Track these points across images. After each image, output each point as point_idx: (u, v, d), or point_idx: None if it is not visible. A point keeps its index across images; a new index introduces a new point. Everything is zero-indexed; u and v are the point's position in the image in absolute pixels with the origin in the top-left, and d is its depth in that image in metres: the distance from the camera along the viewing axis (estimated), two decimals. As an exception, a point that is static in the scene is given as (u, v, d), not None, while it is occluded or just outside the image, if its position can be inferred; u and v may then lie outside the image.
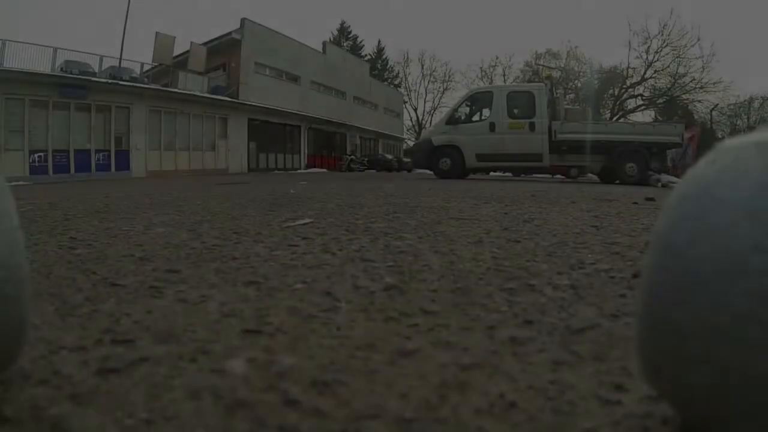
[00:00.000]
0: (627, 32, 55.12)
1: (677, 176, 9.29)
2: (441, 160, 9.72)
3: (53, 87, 12.66)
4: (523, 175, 12.81)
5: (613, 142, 9.32)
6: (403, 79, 41.68)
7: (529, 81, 26.71)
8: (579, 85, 31.11)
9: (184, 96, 16.19)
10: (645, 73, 28.76)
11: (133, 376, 0.55)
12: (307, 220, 2.01)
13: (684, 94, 27.44)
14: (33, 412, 0.46)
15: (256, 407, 0.48)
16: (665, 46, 27.53)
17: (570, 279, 1.03)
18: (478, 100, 10.09)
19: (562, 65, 31.65)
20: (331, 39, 36.62)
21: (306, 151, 23.18)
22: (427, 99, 49.97)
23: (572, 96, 29.13)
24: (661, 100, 28.69)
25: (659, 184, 8.32)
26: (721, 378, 0.32)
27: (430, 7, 70.45)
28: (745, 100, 29.47)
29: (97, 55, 14.83)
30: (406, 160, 23.25)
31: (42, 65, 12.80)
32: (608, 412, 0.47)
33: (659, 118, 26.72)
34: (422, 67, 41.33)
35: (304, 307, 0.82)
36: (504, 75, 35.94)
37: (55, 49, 13.26)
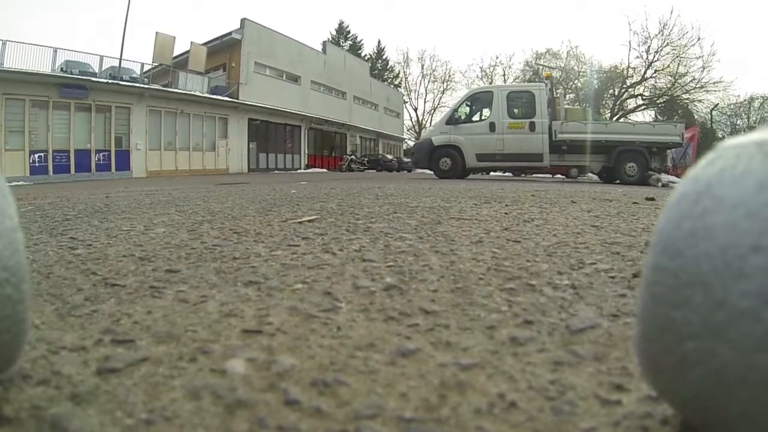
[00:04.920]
0: (627, 32, 55.06)
1: (677, 176, 9.31)
2: (441, 160, 9.72)
3: (53, 87, 12.68)
4: (523, 175, 12.83)
5: (613, 142, 9.32)
6: (403, 79, 41.75)
7: (529, 81, 26.71)
8: (579, 85, 31.10)
9: (184, 96, 16.21)
10: (645, 72, 28.75)
11: (133, 376, 0.55)
12: (313, 216, 2.02)
13: (684, 93, 27.41)
14: (33, 412, 0.47)
15: (256, 407, 0.48)
16: (665, 46, 27.52)
17: (570, 279, 1.03)
18: (478, 100, 10.08)
19: (562, 65, 31.64)
20: (330, 39, 36.64)
21: (306, 151, 23.20)
22: (427, 99, 50.12)
23: (572, 96, 29.13)
24: (661, 100, 28.66)
25: (659, 184, 8.32)
26: (721, 378, 0.32)
27: (429, 7, 70.50)
28: (745, 100, 29.48)
29: (97, 55, 14.88)
30: (406, 160, 23.27)
31: (42, 65, 12.81)
32: (608, 412, 0.47)
33: (659, 117, 26.73)
34: (422, 67, 41.51)
35: (305, 307, 0.82)
36: (504, 75, 35.97)
37: (55, 49, 13.28)
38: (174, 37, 16.23)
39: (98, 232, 1.74)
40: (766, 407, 0.31)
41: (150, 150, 15.28)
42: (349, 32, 41.41)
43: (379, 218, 2.11)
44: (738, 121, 30.02)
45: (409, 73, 47.74)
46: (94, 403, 0.49)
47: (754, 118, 29.33)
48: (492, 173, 12.32)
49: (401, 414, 0.47)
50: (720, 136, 24.10)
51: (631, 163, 9.22)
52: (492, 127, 9.53)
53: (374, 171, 22.43)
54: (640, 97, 29.85)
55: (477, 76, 37.41)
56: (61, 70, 13.36)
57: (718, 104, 26.18)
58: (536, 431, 0.45)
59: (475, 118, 9.92)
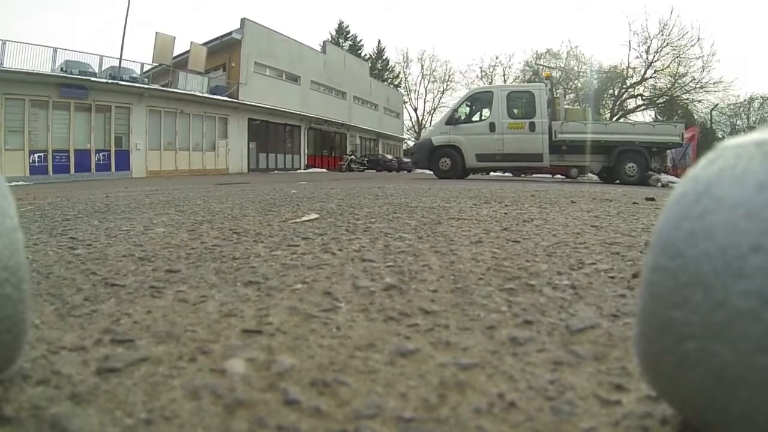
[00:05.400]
0: (627, 32, 55.16)
1: (677, 176, 9.31)
2: (441, 160, 9.72)
3: (53, 87, 12.68)
4: (523, 175, 12.83)
5: (613, 142, 9.32)
6: (403, 79, 41.76)
7: (529, 81, 26.72)
8: (579, 85, 31.12)
9: (184, 96, 16.21)
10: (645, 72, 28.77)
11: (133, 376, 0.55)
12: (312, 216, 2.02)
13: (684, 94, 27.43)
14: (33, 412, 0.47)
15: (256, 407, 0.48)
16: (665, 46, 27.55)
17: (570, 279, 1.03)
18: (478, 100, 10.08)
19: (562, 65, 31.64)
20: (330, 39, 36.64)
21: (306, 151, 23.21)
22: (427, 99, 50.12)
23: (572, 96, 29.14)
24: (661, 100, 28.68)
25: (659, 184, 8.32)
26: (721, 378, 0.32)
27: (429, 7, 70.53)
28: (745, 100, 29.51)
29: (97, 55, 14.90)
30: (406, 160, 23.28)
31: (42, 65, 12.81)
32: (608, 412, 0.47)
33: (659, 118, 26.74)
34: (422, 67, 41.56)
35: (304, 307, 0.82)
36: (504, 75, 35.99)
37: (55, 49, 13.28)
38: (174, 37, 16.24)
39: (98, 232, 1.74)
40: (766, 407, 0.31)
41: (150, 150, 15.28)
42: (348, 32, 41.43)
43: (378, 218, 2.11)
44: (738, 122, 30.05)
45: (409, 74, 47.77)
46: (94, 402, 0.49)
47: (753, 119, 29.36)
48: (492, 173, 12.32)
49: (401, 414, 0.47)
50: (720, 136, 24.13)
51: (631, 164, 9.23)
52: (492, 127, 9.53)
53: (374, 171, 22.44)
54: (640, 98, 29.87)
55: (477, 76, 37.51)
56: (61, 70, 13.36)
57: (717, 104, 26.23)
58: (536, 431, 0.45)
59: (475, 118, 9.92)
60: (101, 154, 14.01)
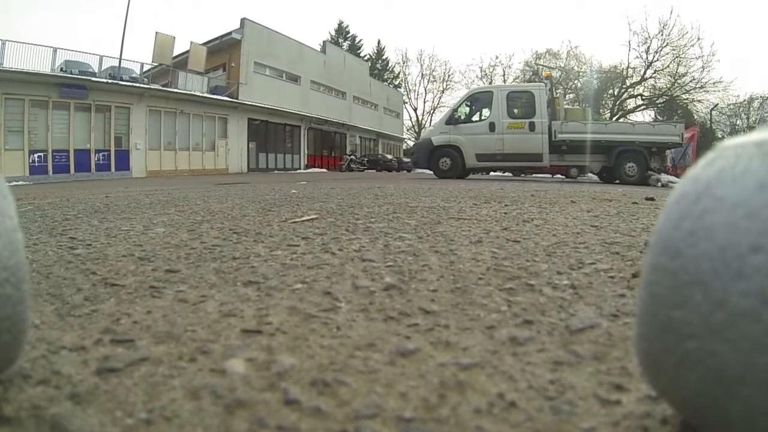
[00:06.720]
0: (627, 32, 55.21)
1: (677, 176, 9.32)
2: (441, 160, 9.72)
3: (53, 87, 12.68)
4: (523, 174, 12.83)
5: (613, 142, 9.33)
6: (403, 79, 41.77)
7: (529, 81, 26.71)
8: (579, 85, 31.12)
9: (184, 96, 16.22)
10: (645, 72, 28.78)
11: (132, 375, 0.55)
12: (312, 216, 2.02)
13: (684, 94, 27.44)
14: (33, 412, 0.47)
15: (256, 407, 0.48)
16: (665, 46, 27.57)
17: (569, 279, 1.03)
18: (478, 100, 10.08)
19: (562, 65, 31.64)
20: (330, 39, 36.63)
21: (306, 151, 23.21)
22: (427, 99, 50.16)
23: (572, 96, 29.15)
24: (661, 100, 28.69)
25: (659, 184, 8.33)
26: (720, 378, 0.32)
27: (429, 7, 70.53)
28: (745, 100, 29.53)
29: (97, 55, 14.91)
30: (406, 160, 23.29)
31: (42, 65, 12.81)
32: (608, 412, 0.47)
33: (659, 118, 26.75)
34: (422, 67, 41.55)
35: (304, 306, 0.82)
36: (504, 75, 35.99)
37: (55, 49, 13.29)
38: (174, 37, 16.25)
39: (98, 232, 1.73)
40: (765, 407, 0.31)
41: (150, 150, 15.28)
42: (348, 32, 41.43)
43: (378, 218, 2.11)
44: (737, 121, 30.07)
45: (409, 74, 47.78)
46: (94, 402, 0.49)
47: (753, 119, 29.38)
48: (492, 173, 12.32)
49: (401, 414, 0.47)
50: (719, 136, 24.15)
51: (630, 163, 9.23)
52: (492, 127, 9.53)
53: (374, 171, 22.44)
54: (639, 97, 29.88)
55: (477, 76, 37.51)
56: (61, 70, 13.36)
57: (717, 104, 26.23)
58: (536, 431, 0.45)
59: (475, 118, 9.92)
60: (101, 154, 14.01)
